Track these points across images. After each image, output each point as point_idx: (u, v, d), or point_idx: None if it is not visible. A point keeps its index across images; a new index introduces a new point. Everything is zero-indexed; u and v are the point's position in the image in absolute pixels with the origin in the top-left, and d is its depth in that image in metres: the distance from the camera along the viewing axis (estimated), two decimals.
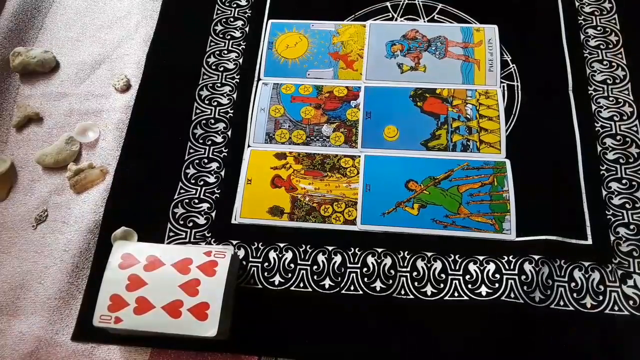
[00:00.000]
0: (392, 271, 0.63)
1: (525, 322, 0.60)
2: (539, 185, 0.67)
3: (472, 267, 0.63)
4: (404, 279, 0.62)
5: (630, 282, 0.61)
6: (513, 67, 0.75)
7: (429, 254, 0.63)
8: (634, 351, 0.58)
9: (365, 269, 0.63)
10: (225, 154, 0.71)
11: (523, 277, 0.61)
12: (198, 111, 0.74)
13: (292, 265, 0.64)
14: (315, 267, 0.63)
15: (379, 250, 0.64)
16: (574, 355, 0.58)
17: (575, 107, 0.71)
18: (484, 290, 0.61)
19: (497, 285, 0.61)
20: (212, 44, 0.79)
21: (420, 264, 0.63)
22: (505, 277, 0.62)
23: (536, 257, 0.62)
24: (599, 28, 0.77)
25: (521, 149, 0.69)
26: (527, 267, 0.62)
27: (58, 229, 0.67)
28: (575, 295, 0.61)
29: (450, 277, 0.62)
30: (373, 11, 0.80)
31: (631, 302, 0.60)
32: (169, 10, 0.82)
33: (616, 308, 0.60)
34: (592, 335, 0.59)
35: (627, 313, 0.60)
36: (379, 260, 0.63)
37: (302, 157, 0.70)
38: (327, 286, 0.62)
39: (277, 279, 0.63)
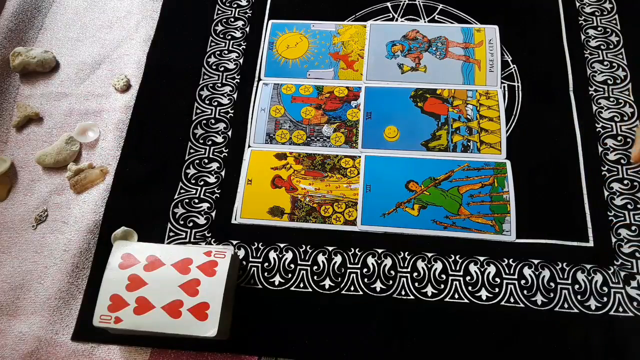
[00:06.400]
0: (393, 272, 0.63)
1: (528, 324, 0.59)
2: (540, 186, 0.67)
3: (472, 268, 0.62)
4: (405, 279, 0.62)
5: (634, 284, 0.61)
6: (514, 67, 0.75)
7: (430, 255, 0.63)
8: (639, 352, 0.58)
9: (365, 270, 0.63)
10: (226, 154, 0.71)
11: (523, 281, 0.61)
12: (198, 111, 0.74)
13: (292, 265, 0.64)
14: (315, 267, 0.63)
15: (379, 250, 0.64)
16: (578, 357, 0.58)
17: (576, 107, 0.71)
18: (484, 294, 0.61)
19: (497, 290, 0.61)
20: (213, 44, 0.79)
21: (420, 264, 0.63)
22: (505, 281, 0.62)
23: (536, 261, 0.62)
24: (599, 28, 0.77)
25: (522, 150, 0.69)
26: (527, 271, 0.62)
27: (58, 229, 0.67)
28: (579, 297, 0.60)
29: (450, 278, 0.62)
30: (373, 11, 0.80)
31: (635, 304, 0.60)
32: (169, 10, 0.82)
33: (620, 309, 0.60)
34: (597, 337, 0.58)
35: (632, 314, 0.59)
36: (379, 261, 0.63)
37: (302, 158, 0.70)
38: (327, 286, 0.62)
39: (277, 279, 0.63)
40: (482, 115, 0.71)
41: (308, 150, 0.70)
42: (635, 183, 0.66)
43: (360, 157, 0.69)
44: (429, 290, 0.62)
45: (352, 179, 0.68)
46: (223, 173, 0.70)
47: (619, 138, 0.69)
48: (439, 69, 0.75)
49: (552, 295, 0.61)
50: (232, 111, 0.74)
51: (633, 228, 0.64)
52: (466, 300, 0.61)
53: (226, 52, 0.78)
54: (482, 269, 0.62)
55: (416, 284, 0.62)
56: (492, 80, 0.74)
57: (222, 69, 0.77)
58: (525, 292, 0.61)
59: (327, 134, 0.71)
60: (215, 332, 0.53)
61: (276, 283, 0.63)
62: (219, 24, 0.80)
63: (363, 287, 0.62)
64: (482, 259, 0.63)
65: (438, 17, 0.79)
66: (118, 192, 0.69)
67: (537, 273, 0.62)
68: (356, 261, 0.63)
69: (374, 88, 0.74)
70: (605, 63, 0.74)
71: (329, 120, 0.72)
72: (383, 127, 0.71)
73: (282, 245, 0.65)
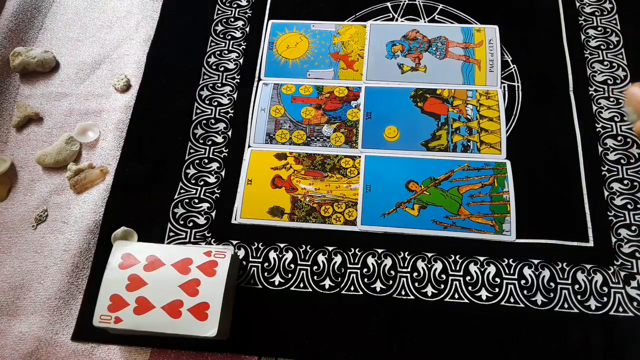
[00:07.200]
0: (393, 272, 0.63)
1: (528, 324, 0.59)
2: (540, 186, 0.67)
3: (472, 268, 0.62)
4: (405, 279, 0.62)
5: (634, 284, 0.61)
6: (514, 67, 0.75)
7: (430, 255, 0.63)
8: (639, 352, 0.58)
9: (365, 270, 0.63)
10: (226, 154, 0.71)
11: (523, 281, 0.61)
12: (198, 111, 0.74)
13: (292, 265, 0.64)
14: (315, 267, 0.63)
15: (379, 250, 0.64)
16: (578, 357, 0.58)
17: (576, 107, 0.71)
18: (484, 294, 0.61)
19: (497, 290, 0.61)
20: (213, 44, 0.79)
21: (420, 264, 0.63)
22: (505, 281, 0.62)
23: (536, 261, 0.62)
24: (599, 28, 0.77)
25: (522, 150, 0.69)
26: (527, 271, 0.62)
27: (58, 229, 0.67)
28: (579, 297, 0.60)
29: (450, 278, 0.62)
30: (373, 11, 0.80)
31: (635, 304, 0.60)
32: (169, 10, 0.82)
33: (620, 309, 0.60)
34: (597, 337, 0.58)
35: (632, 314, 0.59)
36: (379, 261, 0.63)
37: (302, 158, 0.70)
38: (327, 286, 0.62)
39: (277, 279, 0.63)
40: (482, 115, 0.71)
41: (308, 150, 0.70)
42: (635, 183, 0.66)
43: (360, 157, 0.69)
44: (429, 290, 0.62)
45: (352, 179, 0.68)
46: (223, 173, 0.70)
47: (619, 138, 0.69)
48: (439, 69, 0.75)
49: (552, 295, 0.61)
50: (232, 111, 0.74)
51: (633, 228, 0.64)
52: (466, 300, 0.61)
53: (226, 52, 0.78)
54: (482, 269, 0.62)
55: (416, 284, 0.62)
56: (492, 80, 0.74)
57: (222, 69, 0.77)
58: (525, 292, 0.61)
59: (327, 134, 0.71)
60: (215, 332, 0.53)
61: (276, 283, 0.63)
62: (219, 24, 0.80)
63: (363, 287, 0.62)
64: (482, 259, 0.63)
65: (438, 17, 0.79)
66: (118, 192, 0.69)
67: (537, 273, 0.62)
68: (356, 261, 0.63)
69: (374, 88, 0.74)
70: (605, 63, 0.74)
71: (329, 120, 0.72)
72: (383, 127, 0.71)
73: (282, 245, 0.65)
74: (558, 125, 0.70)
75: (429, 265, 0.63)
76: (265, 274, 0.63)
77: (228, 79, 0.76)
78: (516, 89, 0.73)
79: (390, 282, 0.62)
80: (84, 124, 0.73)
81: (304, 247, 0.65)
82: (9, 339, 0.61)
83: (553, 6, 0.79)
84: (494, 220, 0.65)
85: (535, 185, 0.67)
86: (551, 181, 0.67)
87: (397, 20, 0.79)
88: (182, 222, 0.67)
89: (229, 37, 0.79)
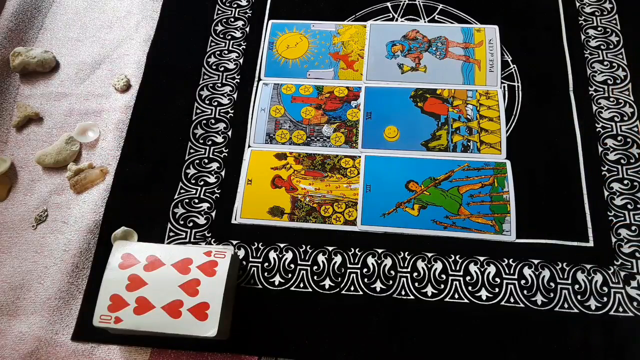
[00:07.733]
0: (393, 272, 0.63)
1: (528, 324, 0.59)
2: (540, 186, 0.67)
3: (472, 268, 0.62)
4: (405, 279, 0.62)
5: (634, 284, 0.61)
6: (514, 67, 0.75)
7: (430, 255, 0.63)
8: (639, 352, 0.58)
9: (365, 270, 0.63)
10: (226, 154, 0.71)
11: (523, 281, 0.61)
12: (198, 111, 0.74)
13: (292, 265, 0.64)
14: (315, 267, 0.63)
15: (379, 250, 0.64)
16: (578, 357, 0.58)
17: (576, 107, 0.71)
18: (484, 294, 0.61)
19: (497, 290, 0.61)
20: (213, 44, 0.79)
21: (420, 264, 0.63)
22: (505, 281, 0.62)
23: (536, 261, 0.62)
24: (599, 28, 0.77)
25: (522, 150, 0.69)
26: (527, 271, 0.62)
27: (58, 229, 0.67)
28: (579, 297, 0.60)
29: (450, 278, 0.62)
30: (374, 11, 0.80)
31: (635, 304, 0.60)
32: (169, 10, 0.82)
33: (620, 309, 0.60)
34: (597, 337, 0.58)
35: (632, 314, 0.59)
36: (379, 261, 0.63)
37: (302, 158, 0.70)
38: (327, 286, 0.62)
39: (277, 279, 0.63)
40: (482, 115, 0.71)
41: (308, 150, 0.70)
42: (635, 183, 0.66)
43: (360, 157, 0.69)
44: (429, 290, 0.62)
45: (352, 179, 0.68)
46: (223, 173, 0.70)
47: (619, 138, 0.69)
48: (439, 69, 0.75)
49: (552, 295, 0.61)
50: (232, 111, 0.74)
51: (633, 228, 0.64)
52: (466, 300, 0.61)
53: (226, 52, 0.78)
54: (482, 269, 0.62)
55: (416, 284, 0.62)
56: (492, 80, 0.74)
57: (222, 69, 0.77)
58: (525, 292, 0.61)
59: (327, 134, 0.71)
60: (215, 332, 0.53)
61: (276, 283, 0.63)
62: (219, 24, 0.80)
63: (363, 287, 0.62)
64: (482, 259, 0.63)
65: (438, 17, 0.79)
66: (118, 192, 0.69)
67: (537, 273, 0.62)
68: (356, 261, 0.63)
69: (374, 88, 0.74)
70: (605, 63, 0.74)
71: (329, 120, 0.72)
72: (383, 127, 0.71)
73: (282, 245, 0.65)
74: (558, 125, 0.70)
75: (429, 265, 0.63)
76: (265, 274, 0.63)
77: (228, 79, 0.76)
78: (516, 89, 0.73)
79: (390, 282, 0.62)
80: (84, 124, 0.73)
81: (304, 247, 0.65)
82: (9, 339, 0.61)
83: (553, 6, 0.79)
84: (494, 220, 0.65)
85: (535, 185, 0.67)
86: (551, 181, 0.67)
87: (397, 20, 0.79)
88: (182, 222, 0.67)
89: (229, 37, 0.79)
